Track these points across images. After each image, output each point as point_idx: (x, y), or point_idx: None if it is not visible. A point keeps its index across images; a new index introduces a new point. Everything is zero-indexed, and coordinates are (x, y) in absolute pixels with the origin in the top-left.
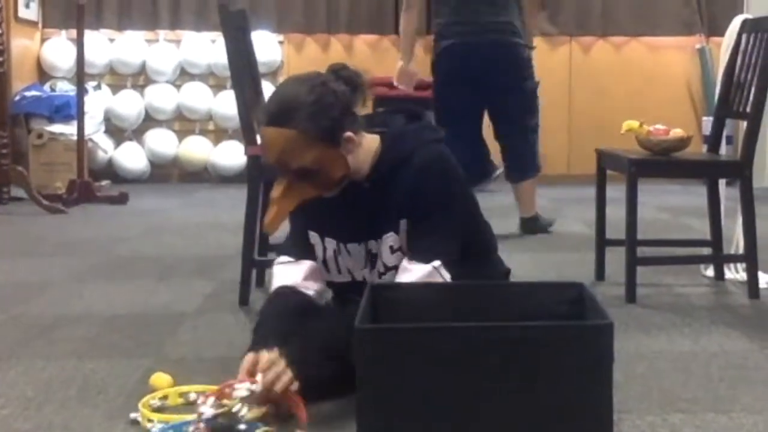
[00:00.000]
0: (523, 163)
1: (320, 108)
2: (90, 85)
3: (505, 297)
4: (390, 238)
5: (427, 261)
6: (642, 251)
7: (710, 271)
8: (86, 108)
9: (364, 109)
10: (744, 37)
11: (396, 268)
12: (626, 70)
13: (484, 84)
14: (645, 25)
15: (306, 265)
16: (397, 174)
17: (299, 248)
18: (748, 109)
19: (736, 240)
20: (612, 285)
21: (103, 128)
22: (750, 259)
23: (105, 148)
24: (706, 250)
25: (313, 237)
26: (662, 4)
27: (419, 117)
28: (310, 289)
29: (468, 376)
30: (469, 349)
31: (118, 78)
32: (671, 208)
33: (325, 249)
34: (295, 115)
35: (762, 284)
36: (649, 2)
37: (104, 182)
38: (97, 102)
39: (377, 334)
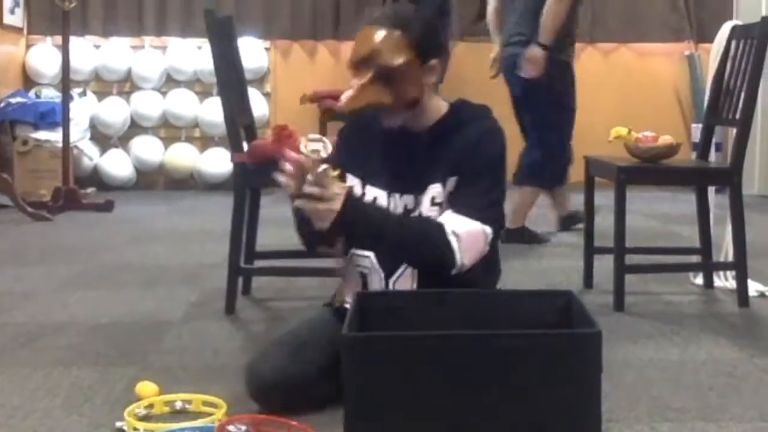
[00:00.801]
0: (525, 169)
1: (430, 27)
2: (75, 91)
3: (493, 305)
4: (434, 189)
5: (477, 219)
6: (630, 259)
7: (699, 279)
8: (71, 115)
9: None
10: (733, 43)
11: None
12: (615, 77)
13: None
14: (633, 32)
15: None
16: (457, 132)
17: None
18: (737, 116)
19: (725, 248)
20: (600, 293)
21: (88, 135)
22: (739, 267)
23: (90, 155)
24: (695, 258)
25: (353, 181)
26: (650, 10)
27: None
28: None
29: (456, 385)
30: (456, 358)
31: (103, 84)
32: (660, 215)
33: (363, 195)
34: (407, 22)
35: (751, 292)
36: (638, 9)
37: (90, 189)
38: (83, 109)
39: (364, 342)
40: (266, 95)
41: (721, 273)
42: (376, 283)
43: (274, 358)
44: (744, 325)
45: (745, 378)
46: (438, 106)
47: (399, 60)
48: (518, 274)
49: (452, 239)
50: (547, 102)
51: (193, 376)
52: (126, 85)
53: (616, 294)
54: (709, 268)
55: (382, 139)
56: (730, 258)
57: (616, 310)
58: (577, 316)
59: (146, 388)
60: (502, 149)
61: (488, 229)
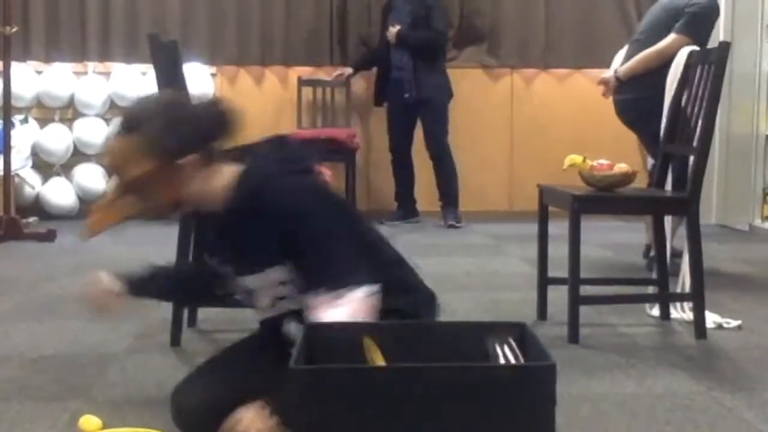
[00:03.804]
0: None
1: (170, 125)
2: (16, 118)
3: (444, 337)
4: (274, 272)
5: (332, 288)
6: (585, 290)
7: (656, 311)
8: (13, 142)
9: None
10: (691, 69)
11: (285, 298)
12: (569, 103)
13: None
14: (587, 58)
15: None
16: (254, 205)
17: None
18: (694, 144)
19: (682, 278)
20: (554, 325)
21: (30, 163)
22: (697, 298)
23: (32, 183)
24: (652, 289)
25: (212, 261)
26: (605, 36)
27: (286, 145)
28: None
29: (405, 420)
30: (406, 391)
31: (45, 111)
32: (615, 245)
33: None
34: (144, 124)
35: (709, 324)
36: (592, 34)
37: (31, 219)
38: (24, 136)
39: (312, 375)
40: None
41: (678, 304)
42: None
43: (195, 386)
44: (701, 357)
45: (703, 412)
46: (225, 178)
47: (138, 170)
48: (470, 305)
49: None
50: None
51: (137, 409)
52: (69, 111)
53: (570, 326)
54: (665, 299)
55: (208, 222)
56: (687, 289)
57: (571, 343)
58: (531, 349)
59: (89, 422)
60: (308, 200)
61: (358, 293)
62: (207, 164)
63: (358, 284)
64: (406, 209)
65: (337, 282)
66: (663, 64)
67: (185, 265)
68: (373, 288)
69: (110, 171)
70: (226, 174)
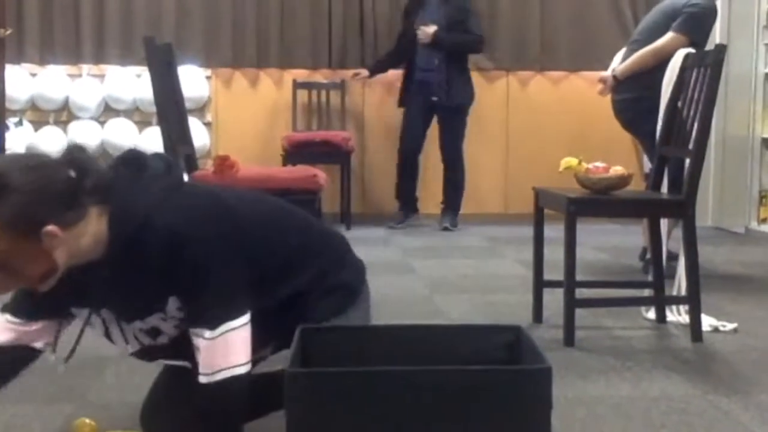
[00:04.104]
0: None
1: (24, 194)
2: (11, 121)
3: (439, 341)
4: (159, 316)
5: (213, 327)
6: (581, 293)
7: (651, 314)
8: (7, 145)
9: None
10: (687, 71)
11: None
12: (565, 106)
13: None
14: (584, 60)
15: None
16: (138, 245)
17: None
18: (690, 146)
19: (678, 281)
20: (550, 328)
21: None
22: (692, 301)
23: None
24: (647, 292)
25: (83, 312)
26: (601, 37)
27: (143, 163)
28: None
29: (402, 421)
30: (402, 394)
31: (40, 114)
32: (611, 248)
33: (103, 321)
34: None
35: (705, 327)
36: (588, 37)
37: None
38: (19, 139)
39: (308, 378)
40: (207, 125)
41: (674, 307)
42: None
43: (160, 409)
44: (697, 360)
45: (699, 415)
46: (97, 226)
47: (1, 247)
48: (465, 308)
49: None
50: None
51: (132, 412)
52: (63, 114)
53: (566, 329)
54: (661, 302)
55: (79, 283)
56: (683, 292)
57: (566, 346)
58: (526, 352)
59: (84, 425)
60: (184, 235)
61: (223, 328)
62: (72, 224)
63: (231, 318)
64: (409, 208)
65: (211, 320)
66: (660, 62)
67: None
68: (244, 318)
69: None
70: (95, 224)
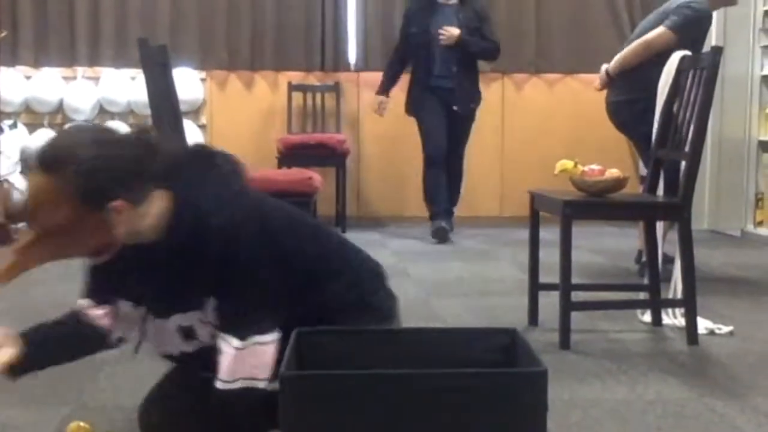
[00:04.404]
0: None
1: (96, 166)
2: (5, 123)
3: (435, 344)
4: (197, 315)
5: (243, 338)
6: (576, 296)
7: (647, 317)
8: (1, 147)
9: None
10: (683, 74)
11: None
12: (560, 108)
13: None
14: (579, 62)
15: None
16: (195, 240)
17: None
18: (686, 149)
19: (674, 284)
20: (546, 331)
21: (19, 168)
22: (688, 304)
23: (21, 189)
24: (643, 295)
25: (125, 306)
26: (596, 40)
27: (214, 162)
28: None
29: (397, 425)
30: (396, 398)
31: (34, 116)
32: (607, 250)
33: (141, 318)
34: (66, 165)
35: (701, 330)
36: (584, 39)
37: (21, 224)
38: (13, 141)
39: (303, 381)
40: (202, 127)
41: (670, 310)
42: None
43: (161, 404)
44: (693, 363)
45: (695, 418)
46: (157, 208)
47: (62, 215)
48: (460, 311)
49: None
50: None
51: (127, 415)
52: (57, 116)
53: (561, 332)
54: (657, 305)
55: (127, 267)
56: (679, 295)
57: (562, 349)
58: (522, 355)
59: (79, 428)
60: (249, 245)
61: (253, 338)
62: (137, 203)
63: (263, 332)
64: (447, 213)
65: (242, 329)
66: (648, 56)
67: (62, 325)
68: (274, 335)
69: (29, 213)
70: (157, 208)
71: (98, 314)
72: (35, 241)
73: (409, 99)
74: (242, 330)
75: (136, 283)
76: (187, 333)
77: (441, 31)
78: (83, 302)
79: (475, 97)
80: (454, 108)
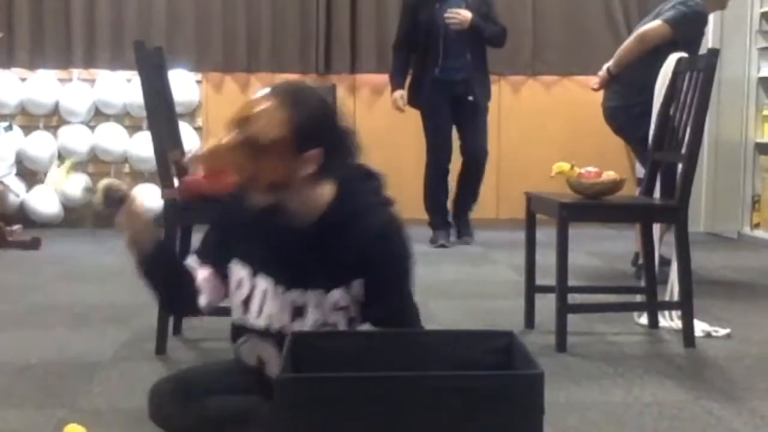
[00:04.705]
0: None
1: (322, 121)
2: (1, 125)
3: (431, 346)
4: (337, 293)
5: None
6: (573, 298)
7: (644, 319)
8: None
9: None
10: (679, 76)
11: (334, 325)
12: (557, 110)
13: None
14: (576, 64)
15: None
16: (345, 228)
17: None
18: (683, 151)
19: (670, 286)
20: (542, 333)
21: (14, 171)
22: (685, 306)
23: (16, 191)
24: (640, 297)
25: (241, 270)
26: (593, 42)
27: (372, 175)
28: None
29: (393, 428)
30: (394, 400)
31: (30, 118)
32: (603, 253)
33: (254, 286)
34: (297, 103)
35: (697, 332)
36: (580, 41)
37: (16, 227)
38: (9, 143)
39: (300, 383)
40: (198, 129)
41: (666, 313)
42: (273, 369)
43: (170, 378)
44: (690, 366)
45: (691, 420)
46: (320, 197)
47: (270, 136)
48: (457, 313)
49: None
50: None
51: (122, 418)
52: (53, 119)
53: (558, 334)
54: (654, 307)
55: (265, 229)
56: (676, 297)
57: (559, 351)
58: (518, 357)
59: (74, 431)
60: (401, 243)
61: None
62: (319, 171)
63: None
64: (447, 223)
65: (386, 322)
66: (644, 50)
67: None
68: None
69: (241, 121)
70: (326, 189)
71: (201, 275)
72: (233, 145)
73: (416, 90)
74: (388, 324)
75: (280, 258)
76: (298, 311)
77: (451, 15)
78: (191, 260)
79: (487, 87)
80: (470, 99)
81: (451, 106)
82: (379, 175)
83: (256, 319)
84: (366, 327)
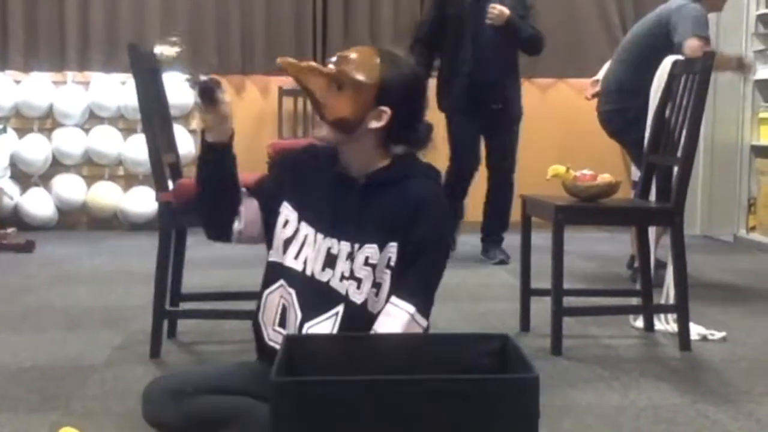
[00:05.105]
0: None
1: (407, 84)
2: None
3: (426, 349)
4: (370, 249)
5: (410, 300)
6: (568, 301)
7: (639, 322)
8: None
9: None
10: (675, 79)
11: (359, 281)
12: (553, 114)
13: None
14: (571, 67)
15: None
16: (393, 187)
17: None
18: (679, 154)
19: (666, 290)
20: (537, 336)
21: (8, 173)
22: (681, 309)
23: (10, 194)
24: (636, 300)
25: (291, 213)
26: (588, 45)
27: (432, 167)
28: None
29: (388, 431)
30: (388, 404)
31: (24, 121)
32: (599, 256)
33: (297, 230)
34: (394, 64)
35: (693, 336)
36: (576, 44)
37: (10, 230)
38: (3, 146)
39: (295, 387)
40: (192, 132)
41: (662, 316)
42: (291, 321)
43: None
44: (686, 369)
45: (687, 424)
46: (377, 157)
47: (357, 76)
48: (453, 316)
49: None
50: None
51: (116, 421)
52: (47, 121)
53: (553, 337)
54: (649, 310)
55: (320, 179)
56: (671, 300)
57: (554, 354)
58: (514, 361)
59: None
60: (444, 217)
61: (412, 309)
62: (385, 131)
63: (426, 316)
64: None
65: (420, 304)
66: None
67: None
68: (426, 322)
69: (341, 58)
70: (383, 154)
71: (246, 203)
72: (326, 72)
73: (444, 94)
74: (420, 302)
75: (326, 208)
76: (331, 260)
77: (492, 8)
78: (243, 190)
79: (519, 96)
80: (494, 107)
81: (481, 113)
82: (437, 169)
83: (293, 260)
84: (391, 304)
